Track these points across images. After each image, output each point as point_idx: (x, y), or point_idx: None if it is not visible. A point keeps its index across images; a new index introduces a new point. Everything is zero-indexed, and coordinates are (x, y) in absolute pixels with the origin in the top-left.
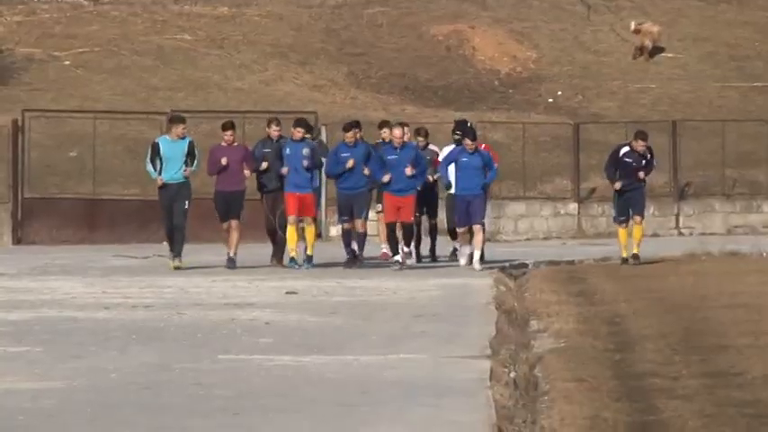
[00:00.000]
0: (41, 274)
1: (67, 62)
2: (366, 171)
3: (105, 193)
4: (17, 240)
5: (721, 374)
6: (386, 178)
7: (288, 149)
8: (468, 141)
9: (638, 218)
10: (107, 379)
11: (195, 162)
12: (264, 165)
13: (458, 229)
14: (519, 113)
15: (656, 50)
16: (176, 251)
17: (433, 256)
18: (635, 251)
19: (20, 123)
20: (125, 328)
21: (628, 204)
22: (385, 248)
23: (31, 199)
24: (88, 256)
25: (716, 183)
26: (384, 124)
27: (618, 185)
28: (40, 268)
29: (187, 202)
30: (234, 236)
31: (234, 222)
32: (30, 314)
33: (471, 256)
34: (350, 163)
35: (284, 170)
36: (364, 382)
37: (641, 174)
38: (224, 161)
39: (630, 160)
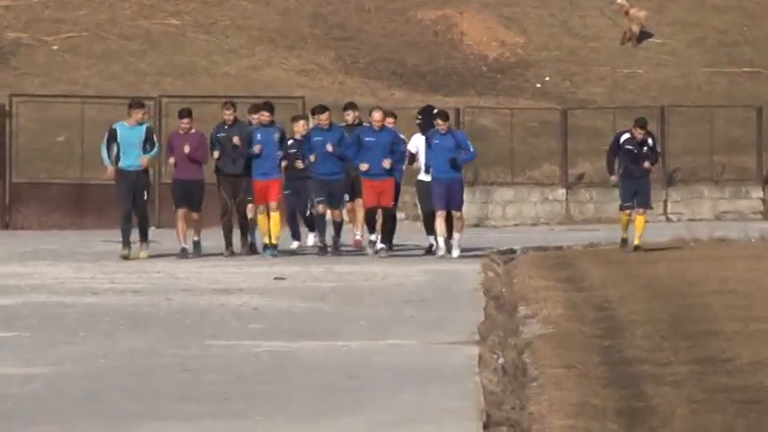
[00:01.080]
0: (30, 260)
1: (55, 47)
2: (330, 148)
3: (93, 178)
4: (5, 225)
5: (710, 360)
6: (363, 167)
7: (258, 135)
8: (440, 121)
9: (641, 209)
10: (96, 364)
11: (155, 149)
12: (216, 154)
13: (436, 212)
14: (507, 99)
15: (644, 36)
16: (142, 240)
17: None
18: (636, 242)
19: (7, 108)
20: (114, 313)
21: (632, 192)
22: (359, 235)
23: (19, 183)
24: (77, 242)
25: (704, 168)
26: (349, 106)
27: (615, 178)
28: (29, 253)
29: (146, 193)
30: (195, 226)
31: (194, 215)
32: (18, 299)
33: (448, 244)
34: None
35: (257, 148)
36: (353, 368)
37: (647, 164)
38: (171, 161)
39: (631, 147)
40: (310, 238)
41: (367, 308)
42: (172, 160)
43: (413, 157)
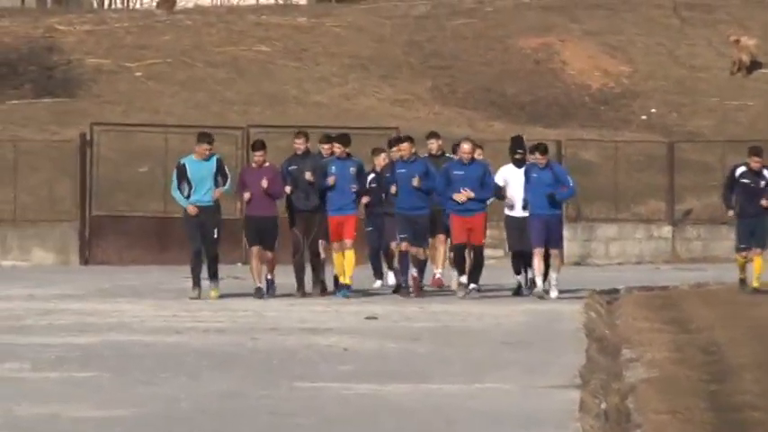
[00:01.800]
0: (109, 296)
1: (138, 74)
2: (416, 182)
3: (177, 212)
4: (85, 260)
5: None
6: (460, 197)
7: (333, 167)
8: (538, 155)
9: (758, 249)
10: (178, 408)
11: (228, 182)
12: (288, 189)
13: (534, 250)
14: (611, 131)
15: (755, 66)
16: (212, 279)
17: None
18: (755, 284)
19: (88, 137)
20: (197, 353)
21: (749, 232)
22: (439, 273)
23: (100, 216)
24: (158, 278)
25: None
26: (432, 135)
27: (731, 214)
28: (108, 290)
29: (217, 230)
30: (268, 264)
31: (268, 253)
32: (97, 338)
33: (533, 281)
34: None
35: (331, 179)
36: (448, 413)
37: (764, 201)
38: (246, 196)
39: (748, 181)
40: (390, 277)
41: (462, 349)
42: (247, 195)
43: (501, 191)
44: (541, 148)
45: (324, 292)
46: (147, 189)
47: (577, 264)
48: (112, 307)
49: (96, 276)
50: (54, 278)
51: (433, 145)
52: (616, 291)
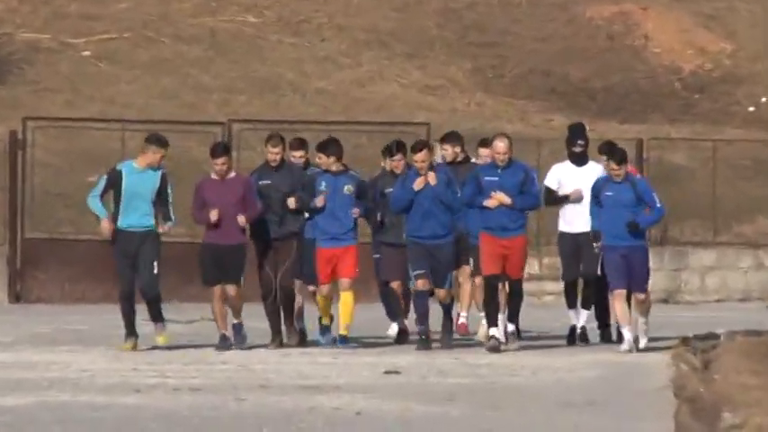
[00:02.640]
0: (48, 344)
1: (87, 52)
2: (432, 180)
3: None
4: (15, 297)
5: None
6: (491, 201)
7: (323, 183)
8: (613, 165)
9: None
10: None
11: (170, 207)
12: (259, 206)
13: (613, 292)
14: (708, 127)
15: None
16: (157, 321)
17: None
18: None
19: (20, 135)
20: (164, 418)
21: None
22: (464, 317)
23: (35, 240)
24: (112, 320)
25: None
26: (448, 139)
27: None
28: (47, 335)
29: (156, 264)
30: (232, 304)
31: (231, 288)
32: (32, 398)
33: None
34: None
35: (320, 199)
36: None
37: None
38: (213, 216)
39: None
40: (393, 327)
41: (512, 413)
42: (214, 216)
43: (554, 197)
44: (618, 155)
45: (303, 341)
46: None
47: (664, 301)
48: (53, 357)
49: (31, 318)
50: None
51: (447, 152)
52: (714, 336)
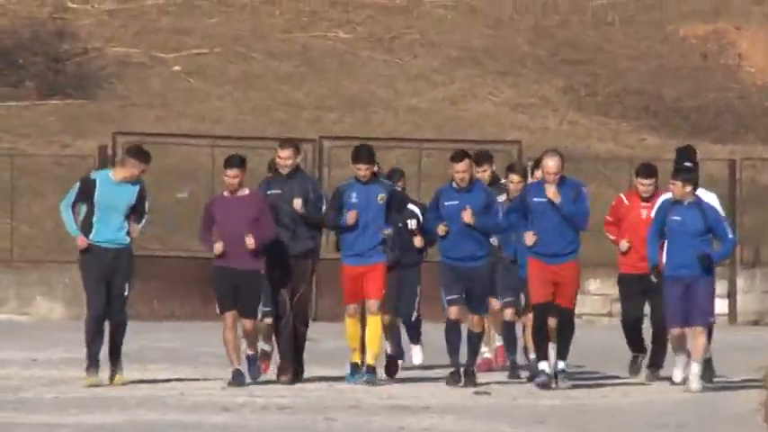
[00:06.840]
0: (137, 361)
1: (177, 68)
2: (467, 217)
3: None
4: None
5: None
6: (530, 239)
7: (353, 195)
8: (680, 184)
9: None
10: None
11: (144, 219)
12: (274, 229)
13: (671, 329)
14: None
15: None
16: (113, 359)
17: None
18: None
19: (109, 151)
20: None
21: None
22: (488, 352)
23: None
24: (201, 338)
25: None
26: (483, 159)
27: None
28: (136, 353)
29: (127, 286)
30: (248, 336)
31: (248, 323)
32: (121, 416)
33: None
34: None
35: (351, 216)
36: None
37: None
38: (218, 249)
39: None
40: (416, 354)
41: None
42: (219, 249)
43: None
44: (685, 175)
45: (298, 376)
46: (188, 221)
47: (755, 323)
48: (141, 375)
49: None
50: (62, 337)
51: (486, 173)
52: None
